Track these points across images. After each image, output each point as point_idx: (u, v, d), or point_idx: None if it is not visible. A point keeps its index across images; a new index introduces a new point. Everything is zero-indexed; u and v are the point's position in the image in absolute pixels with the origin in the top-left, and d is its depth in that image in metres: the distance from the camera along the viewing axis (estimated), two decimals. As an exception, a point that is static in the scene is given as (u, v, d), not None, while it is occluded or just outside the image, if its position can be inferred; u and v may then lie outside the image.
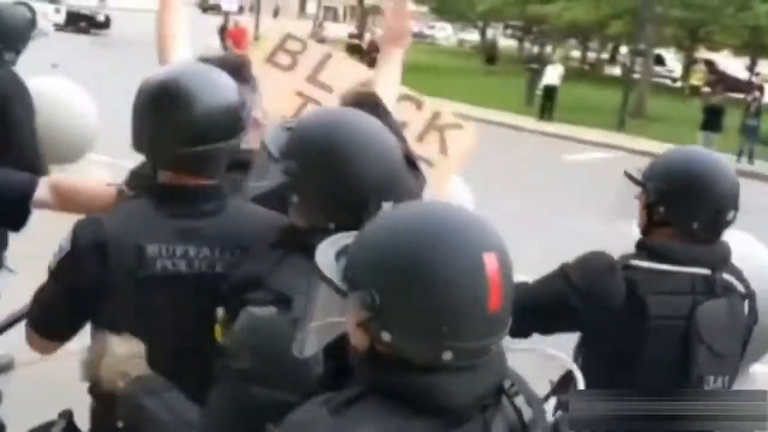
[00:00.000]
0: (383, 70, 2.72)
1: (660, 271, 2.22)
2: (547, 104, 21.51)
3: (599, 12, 31.32)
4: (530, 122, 20.42)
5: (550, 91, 21.68)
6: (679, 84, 37.14)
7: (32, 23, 4.12)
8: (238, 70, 2.25)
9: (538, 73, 23.15)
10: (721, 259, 2.29)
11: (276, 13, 59.90)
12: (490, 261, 1.19)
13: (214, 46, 21.97)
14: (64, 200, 2.13)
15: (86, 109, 6.06)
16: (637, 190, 2.38)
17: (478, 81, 28.40)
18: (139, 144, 1.87)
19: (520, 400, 1.22)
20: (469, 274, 1.17)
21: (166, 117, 1.80)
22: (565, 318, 2.25)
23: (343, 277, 1.23)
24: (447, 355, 1.17)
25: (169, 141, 1.81)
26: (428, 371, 1.18)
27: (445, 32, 63.93)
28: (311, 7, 57.68)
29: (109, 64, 18.62)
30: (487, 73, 32.36)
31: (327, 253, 1.26)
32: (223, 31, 23.68)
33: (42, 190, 2.19)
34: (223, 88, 1.84)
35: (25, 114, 3.87)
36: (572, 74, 29.06)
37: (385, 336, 1.19)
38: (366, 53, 24.93)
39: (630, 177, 2.40)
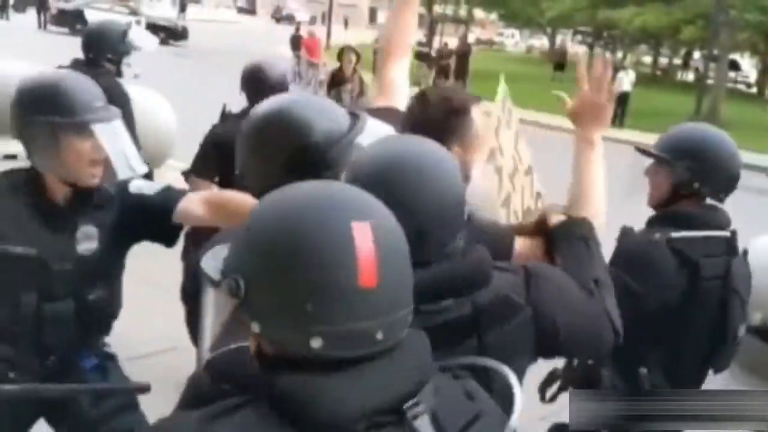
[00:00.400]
0: (585, 167, 2.02)
1: (703, 237, 2.46)
2: (619, 110, 21.23)
3: (671, 17, 30.73)
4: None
5: (621, 97, 21.39)
6: (754, 89, 36.13)
7: (123, 35, 4.63)
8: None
9: (608, 80, 22.85)
10: (730, 222, 2.55)
11: (346, 23, 60.50)
12: (360, 230, 1.05)
13: (286, 55, 22.38)
14: (217, 214, 2.26)
15: (166, 118, 6.36)
16: (644, 166, 2.62)
17: (548, 88, 28.14)
18: (241, 175, 1.82)
19: (422, 423, 1.03)
20: (333, 245, 1.04)
21: (261, 148, 1.74)
22: (629, 308, 2.32)
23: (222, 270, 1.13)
24: (316, 342, 1.02)
25: (261, 172, 1.74)
26: (302, 369, 1.04)
27: (513, 39, 63.58)
28: (381, 17, 58.00)
29: (188, 74, 19.18)
30: (557, 80, 32.07)
31: (218, 254, 1.17)
32: (294, 40, 24.05)
33: (194, 205, 2.35)
34: (319, 119, 1.72)
35: (126, 120, 4.25)
36: (644, 80, 28.60)
37: (255, 327, 1.07)
38: (434, 61, 25.01)
39: (653, 155, 2.60)
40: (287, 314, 1.04)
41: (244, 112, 4.17)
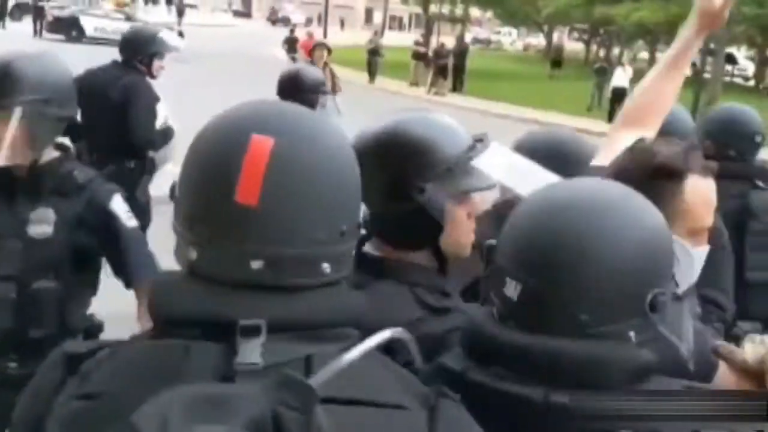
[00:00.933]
0: (673, 53, 2.07)
1: None
2: (617, 107, 21.27)
3: (667, 12, 30.73)
4: (600, 125, 20.22)
5: (619, 94, 21.43)
6: (751, 83, 36.16)
7: (153, 38, 5.18)
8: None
9: (605, 75, 22.91)
10: None
11: (342, 24, 60.54)
12: (258, 143, 0.93)
13: (281, 57, 22.41)
14: None
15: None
16: None
17: (545, 85, 28.19)
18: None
19: (250, 345, 0.88)
20: (223, 154, 0.94)
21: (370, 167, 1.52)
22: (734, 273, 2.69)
23: None
24: (192, 253, 0.96)
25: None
26: (186, 272, 0.98)
27: (510, 37, 63.71)
28: (378, 17, 58.13)
29: (184, 77, 19.15)
30: (554, 78, 32.10)
31: None
32: (289, 42, 24.08)
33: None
34: (437, 137, 1.53)
35: (143, 112, 4.91)
36: (641, 76, 28.55)
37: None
38: (431, 60, 25.02)
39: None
40: (178, 219, 0.98)
41: None
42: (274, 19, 62.43)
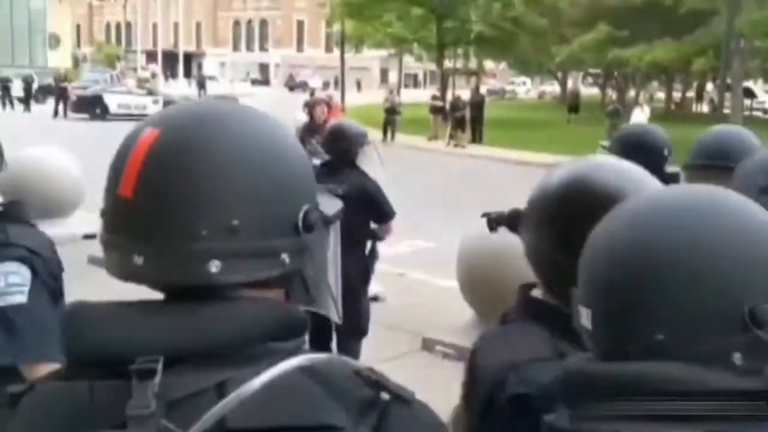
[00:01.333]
0: None
1: None
2: (636, 147, 21.28)
3: (680, 50, 30.84)
4: (620, 167, 20.18)
5: (638, 134, 21.44)
6: (772, 115, 35.97)
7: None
8: None
9: (618, 116, 22.95)
10: None
11: (359, 86, 61.31)
12: (145, 137, 0.93)
13: (300, 119, 22.70)
14: None
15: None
16: None
17: (563, 131, 28.23)
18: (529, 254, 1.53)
19: (142, 387, 0.83)
20: (122, 147, 0.96)
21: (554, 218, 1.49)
22: None
23: None
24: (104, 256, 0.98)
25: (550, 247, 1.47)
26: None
27: (525, 87, 64.16)
28: (393, 76, 58.91)
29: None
30: (572, 122, 32.16)
31: None
32: (309, 105, 24.47)
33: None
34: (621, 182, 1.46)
35: None
36: (659, 115, 28.59)
37: None
38: (449, 113, 25.21)
39: (718, 167, 2.68)
40: None
41: (324, 165, 4.78)
42: (292, 84, 63.36)
